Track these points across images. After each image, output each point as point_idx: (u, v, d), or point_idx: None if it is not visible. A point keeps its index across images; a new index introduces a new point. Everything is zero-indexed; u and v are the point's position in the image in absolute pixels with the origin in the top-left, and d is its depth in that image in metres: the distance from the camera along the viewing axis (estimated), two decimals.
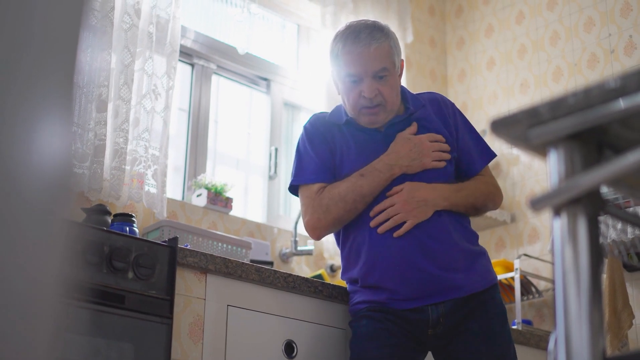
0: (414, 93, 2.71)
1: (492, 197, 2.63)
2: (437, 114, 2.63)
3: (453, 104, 2.70)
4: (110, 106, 3.18)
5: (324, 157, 2.57)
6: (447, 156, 2.56)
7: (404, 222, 2.45)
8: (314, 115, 2.73)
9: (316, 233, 2.56)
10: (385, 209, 2.47)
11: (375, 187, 2.49)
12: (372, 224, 2.48)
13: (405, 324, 2.44)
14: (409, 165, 2.51)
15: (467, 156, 2.62)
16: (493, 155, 2.68)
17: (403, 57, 4.42)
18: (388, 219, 2.46)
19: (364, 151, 2.56)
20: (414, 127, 2.58)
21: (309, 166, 2.58)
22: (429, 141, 2.55)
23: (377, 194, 2.50)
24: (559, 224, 0.99)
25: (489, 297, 2.48)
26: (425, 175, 2.52)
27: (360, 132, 2.58)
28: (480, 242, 4.40)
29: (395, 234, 2.45)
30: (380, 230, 2.46)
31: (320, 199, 2.52)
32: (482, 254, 2.56)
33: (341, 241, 2.59)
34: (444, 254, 2.45)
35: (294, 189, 2.63)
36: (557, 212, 1.00)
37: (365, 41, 2.49)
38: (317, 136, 2.61)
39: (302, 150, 2.62)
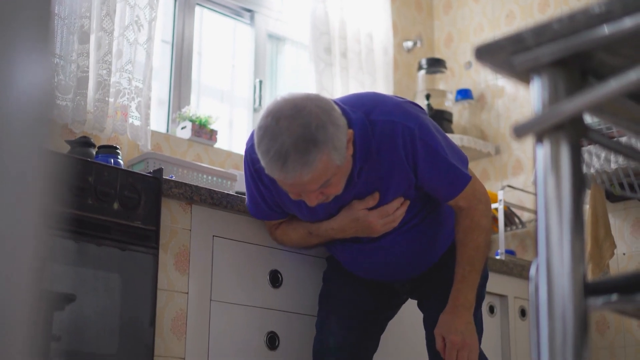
0: (375, 119, 2.24)
1: (486, 228, 2.38)
2: (391, 157, 2.23)
3: (414, 136, 2.22)
4: (92, 38, 3.14)
5: (272, 204, 2.41)
6: (400, 217, 2.36)
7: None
8: (251, 152, 2.26)
9: None
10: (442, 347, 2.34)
11: (324, 242, 2.50)
12: None
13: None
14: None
15: (433, 192, 2.36)
16: (462, 185, 2.31)
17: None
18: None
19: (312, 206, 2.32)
20: (372, 200, 2.32)
21: (261, 207, 2.44)
22: (379, 218, 2.33)
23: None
24: (542, 152, 1.00)
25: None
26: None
27: None
28: None
29: None
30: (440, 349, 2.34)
31: (276, 235, 2.57)
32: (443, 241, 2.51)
33: None
34: (406, 265, 2.49)
35: None
36: (539, 139, 1.00)
37: (295, 171, 2.04)
38: (260, 184, 2.37)
39: (249, 184, 2.41)
